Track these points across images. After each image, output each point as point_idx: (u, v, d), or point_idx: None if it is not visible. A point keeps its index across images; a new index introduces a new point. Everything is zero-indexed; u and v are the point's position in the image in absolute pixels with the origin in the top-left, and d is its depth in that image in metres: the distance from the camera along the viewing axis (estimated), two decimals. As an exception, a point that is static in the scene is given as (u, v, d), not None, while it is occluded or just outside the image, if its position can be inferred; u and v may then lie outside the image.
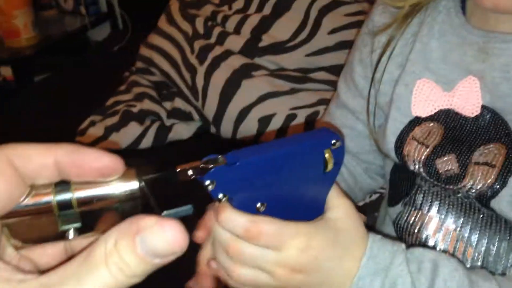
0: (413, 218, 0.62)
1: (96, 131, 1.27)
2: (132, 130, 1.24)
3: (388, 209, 0.68)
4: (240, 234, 0.43)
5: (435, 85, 0.59)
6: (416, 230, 0.62)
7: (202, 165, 0.36)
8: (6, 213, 0.27)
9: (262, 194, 0.41)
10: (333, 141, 0.42)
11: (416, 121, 0.60)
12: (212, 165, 0.36)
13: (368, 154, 0.76)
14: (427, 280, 0.47)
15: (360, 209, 0.94)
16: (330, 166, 0.42)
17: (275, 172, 0.40)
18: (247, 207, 0.41)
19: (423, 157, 0.59)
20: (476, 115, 0.56)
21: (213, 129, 1.25)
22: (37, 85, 1.81)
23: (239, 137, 1.20)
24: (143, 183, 0.30)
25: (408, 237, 0.62)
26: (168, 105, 1.32)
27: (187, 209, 0.32)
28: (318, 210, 0.46)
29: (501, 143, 0.54)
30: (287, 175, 0.41)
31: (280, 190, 0.42)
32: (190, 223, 0.28)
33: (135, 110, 1.28)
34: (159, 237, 0.24)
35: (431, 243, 0.60)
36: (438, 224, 0.60)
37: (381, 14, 0.67)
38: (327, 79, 1.21)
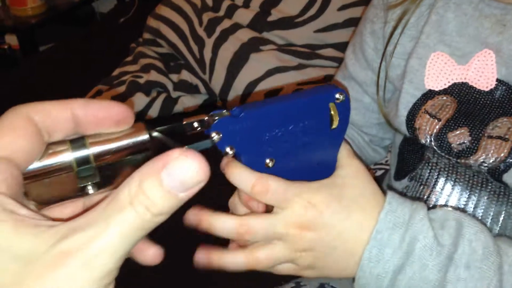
0: (418, 193, 0.62)
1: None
2: (138, 101, 1.24)
3: (394, 183, 0.69)
4: (246, 190, 0.43)
5: (449, 58, 0.59)
6: None
7: (207, 117, 0.36)
8: (26, 173, 0.28)
9: (270, 149, 0.41)
10: (337, 95, 0.41)
11: (429, 94, 0.60)
12: (217, 117, 0.36)
13: (372, 127, 0.76)
14: (451, 237, 0.45)
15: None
16: (335, 122, 0.42)
17: (280, 125, 0.40)
18: (256, 162, 0.41)
19: (435, 131, 0.59)
20: (491, 89, 0.56)
21: (219, 102, 1.25)
22: (42, 54, 1.81)
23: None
24: (155, 133, 0.31)
25: None
26: (174, 77, 1.32)
27: (206, 142, 0.33)
28: (330, 170, 0.46)
29: None
30: (294, 130, 0.41)
31: (288, 146, 0.42)
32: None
33: (141, 81, 1.28)
34: (185, 166, 0.24)
35: None
36: (443, 199, 0.60)
37: None
38: (335, 56, 1.20)
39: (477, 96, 0.57)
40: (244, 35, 1.22)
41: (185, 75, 1.30)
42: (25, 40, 1.88)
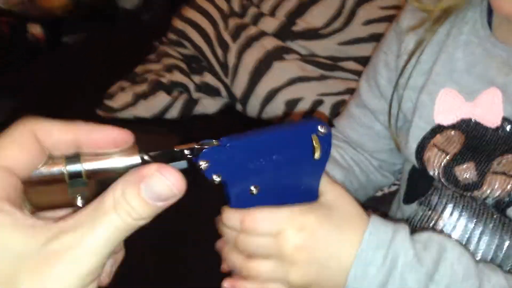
0: (426, 218, 0.64)
1: (125, 96, 1.29)
2: (160, 100, 1.27)
3: (402, 206, 0.70)
4: (238, 228, 0.46)
5: (458, 95, 0.61)
6: None
7: (197, 146, 0.38)
8: (24, 179, 0.30)
9: (255, 177, 0.44)
10: (319, 128, 0.44)
11: (438, 129, 0.62)
12: (206, 147, 0.39)
13: (383, 153, 0.77)
14: (432, 258, 0.47)
15: (379, 200, 0.97)
16: (317, 153, 0.44)
17: (265, 155, 0.43)
18: (240, 189, 0.44)
19: (442, 164, 0.61)
20: (497, 126, 0.58)
21: (239, 107, 1.27)
22: (66, 46, 1.84)
23: (264, 118, 1.22)
24: (146, 157, 0.33)
25: None
26: (197, 78, 1.34)
27: (182, 163, 0.35)
28: (313, 197, 0.48)
29: None
30: (278, 160, 0.43)
31: (273, 174, 0.44)
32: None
33: (164, 80, 1.30)
34: (160, 182, 0.27)
35: None
36: (450, 225, 0.62)
37: (410, 19, 0.67)
38: (356, 69, 1.22)
39: (484, 132, 0.59)
40: (269, 42, 1.24)
41: (207, 77, 1.32)
42: (49, 30, 1.91)
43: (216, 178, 0.41)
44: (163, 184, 0.27)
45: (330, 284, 0.48)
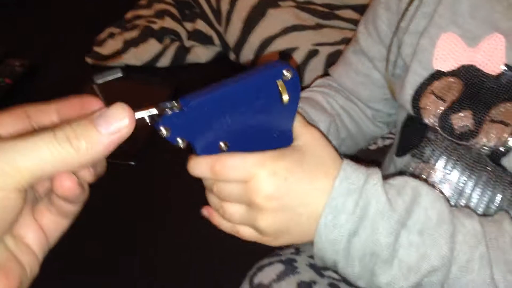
0: (418, 170, 0.63)
1: (115, 43, 1.25)
2: (151, 47, 1.23)
3: (395, 158, 0.69)
4: (208, 176, 0.44)
5: (459, 40, 0.59)
6: None
7: (157, 111, 0.36)
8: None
9: (222, 133, 0.42)
10: (284, 72, 0.42)
11: (437, 75, 0.60)
12: (165, 112, 0.37)
13: (379, 102, 0.76)
14: (405, 203, 0.47)
15: (373, 153, 0.96)
16: (285, 97, 0.43)
17: (229, 110, 0.41)
18: (209, 148, 0.43)
19: (439, 111, 0.59)
20: (498, 74, 0.56)
21: (232, 56, 1.24)
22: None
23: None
24: None
25: None
26: (189, 26, 1.30)
27: (116, 71, 0.34)
28: (287, 142, 0.47)
29: None
30: (244, 111, 0.42)
31: (241, 127, 0.42)
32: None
33: (155, 27, 1.26)
34: (115, 109, 0.30)
35: None
36: (442, 177, 0.61)
37: None
38: (353, 18, 1.18)
39: (484, 79, 0.57)
40: (264, -12, 1.20)
41: (200, 25, 1.28)
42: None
43: (181, 142, 0.40)
44: (118, 110, 0.29)
45: (300, 231, 0.48)
